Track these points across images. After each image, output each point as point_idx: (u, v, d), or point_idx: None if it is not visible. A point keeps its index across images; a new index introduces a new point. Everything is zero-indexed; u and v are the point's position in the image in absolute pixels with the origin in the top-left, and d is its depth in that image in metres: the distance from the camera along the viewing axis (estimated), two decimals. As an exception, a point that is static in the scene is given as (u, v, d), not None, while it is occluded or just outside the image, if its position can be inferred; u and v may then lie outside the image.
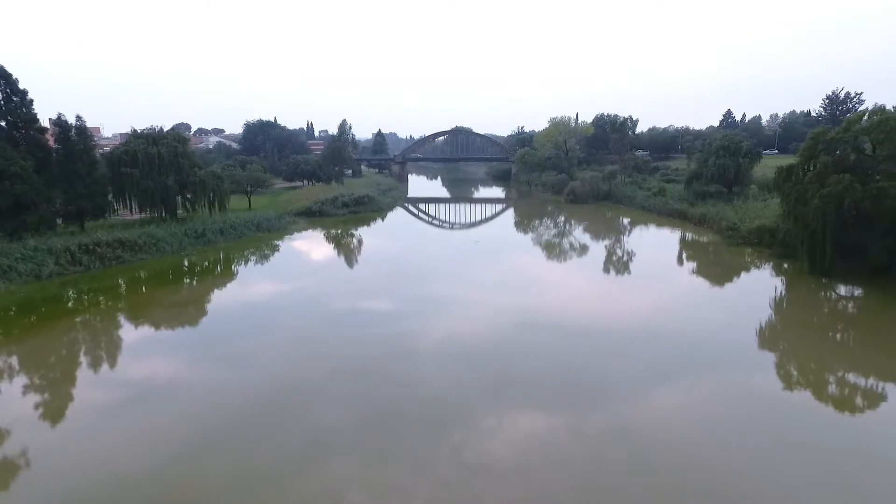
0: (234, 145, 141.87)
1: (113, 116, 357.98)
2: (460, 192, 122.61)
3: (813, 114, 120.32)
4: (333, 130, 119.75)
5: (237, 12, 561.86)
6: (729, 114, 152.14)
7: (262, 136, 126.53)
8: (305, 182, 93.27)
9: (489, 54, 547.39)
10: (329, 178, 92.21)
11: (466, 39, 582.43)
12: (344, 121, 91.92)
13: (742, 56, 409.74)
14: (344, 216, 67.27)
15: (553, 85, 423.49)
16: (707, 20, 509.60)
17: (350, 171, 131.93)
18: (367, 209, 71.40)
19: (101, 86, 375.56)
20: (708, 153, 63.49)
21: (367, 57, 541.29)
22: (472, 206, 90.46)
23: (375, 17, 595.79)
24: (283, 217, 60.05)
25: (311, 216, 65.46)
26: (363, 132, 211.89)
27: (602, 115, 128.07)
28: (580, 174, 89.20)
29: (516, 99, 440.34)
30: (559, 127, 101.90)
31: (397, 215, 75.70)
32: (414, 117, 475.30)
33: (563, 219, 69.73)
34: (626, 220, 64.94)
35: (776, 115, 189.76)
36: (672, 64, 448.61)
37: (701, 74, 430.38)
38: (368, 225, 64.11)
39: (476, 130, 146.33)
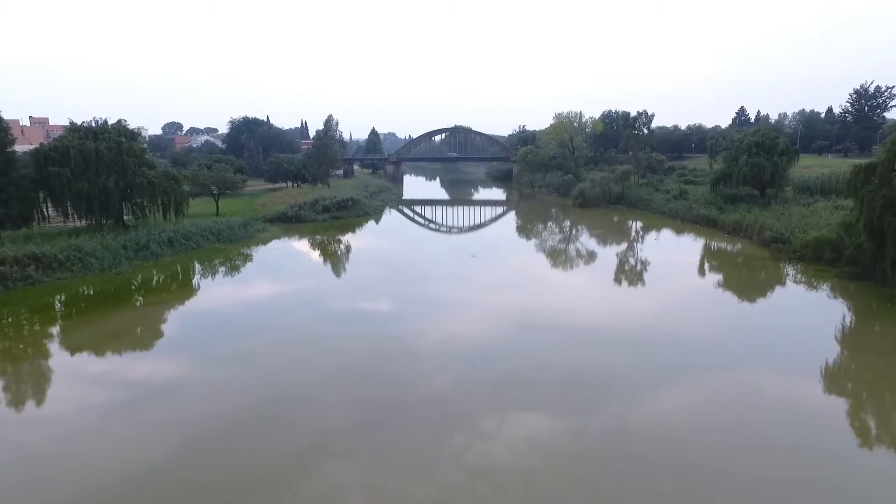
0: (222, 144, 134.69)
1: (111, 116, 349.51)
2: (458, 193, 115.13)
3: (836, 110, 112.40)
4: (314, 130, 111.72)
5: (237, 13, 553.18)
6: (742, 111, 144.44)
7: (248, 134, 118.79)
8: (289, 183, 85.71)
9: (489, 56, 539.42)
10: (315, 180, 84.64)
11: (466, 41, 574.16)
12: (330, 116, 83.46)
13: (741, 57, 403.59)
14: (324, 222, 59.42)
15: (553, 87, 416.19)
16: (706, 22, 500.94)
17: (342, 173, 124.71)
18: (352, 214, 63.48)
19: (100, 85, 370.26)
20: (738, 151, 55.72)
21: (366, 58, 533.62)
22: (470, 209, 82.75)
23: (376, 18, 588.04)
24: (252, 224, 52.16)
25: (287, 222, 57.70)
26: (361, 132, 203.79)
27: (609, 111, 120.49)
28: (588, 175, 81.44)
29: (516, 101, 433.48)
30: (565, 124, 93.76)
31: (387, 220, 67.87)
32: (413, 118, 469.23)
33: (573, 226, 61.85)
34: (645, 228, 56.99)
35: (784, 113, 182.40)
36: (671, 65, 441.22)
37: (700, 76, 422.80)
38: (353, 231, 56.31)
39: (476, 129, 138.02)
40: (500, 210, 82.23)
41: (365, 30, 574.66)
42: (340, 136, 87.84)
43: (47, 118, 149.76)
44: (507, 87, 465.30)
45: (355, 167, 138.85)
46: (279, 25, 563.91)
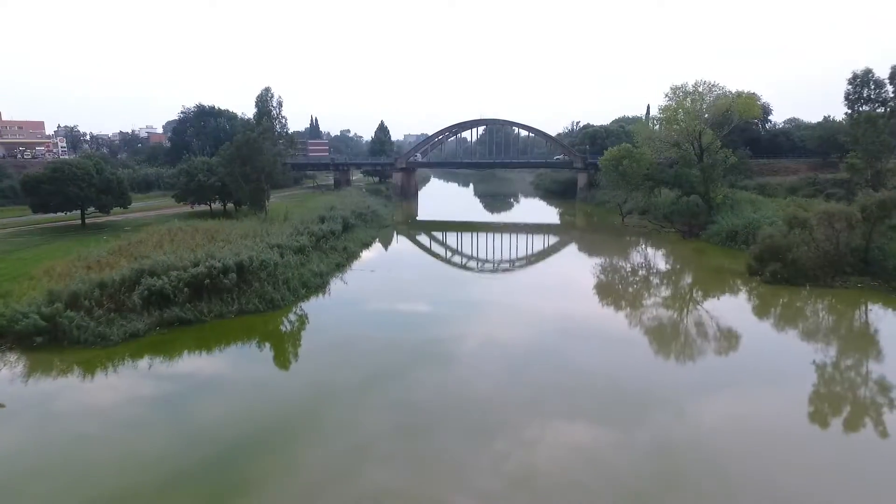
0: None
1: (108, 116, 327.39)
2: (495, 212, 77.52)
3: None
4: (339, 131, 74.41)
5: (237, 12, 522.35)
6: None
7: (195, 128, 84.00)
8: (220, 205, 50.46)
9: (517, 53, 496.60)
10: (247, 203, 48.49)
11: (472, 37, 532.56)
12: (267, 89, 46.34)
13: (743, 60, 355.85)
14: (137, 340, 22.01)
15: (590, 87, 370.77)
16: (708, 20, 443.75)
17: (332, 181, 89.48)
18: (231, 309, 25.26)
19: (99, 85, 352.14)
20: None
21: (378, 55, 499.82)
22: (508, 238, 44.58)
23: (393, 16, 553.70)
24: None
25: (31, 348, 20.86)
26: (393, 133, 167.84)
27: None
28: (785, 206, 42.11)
29: (557, 100, 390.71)
30: (687, 109, 52.62)
31: (332, 307, 30.31)
32: (440, 119, 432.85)
33: None
34: None
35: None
36: (672, 65, 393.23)
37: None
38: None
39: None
40: (559, 253, 43.48)
41: (378, 28, 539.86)
42: (285, 122, 49.99)
43: None
44: (543, 87, 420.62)
45: (357, 175, 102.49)
46: (282, 25, 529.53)
